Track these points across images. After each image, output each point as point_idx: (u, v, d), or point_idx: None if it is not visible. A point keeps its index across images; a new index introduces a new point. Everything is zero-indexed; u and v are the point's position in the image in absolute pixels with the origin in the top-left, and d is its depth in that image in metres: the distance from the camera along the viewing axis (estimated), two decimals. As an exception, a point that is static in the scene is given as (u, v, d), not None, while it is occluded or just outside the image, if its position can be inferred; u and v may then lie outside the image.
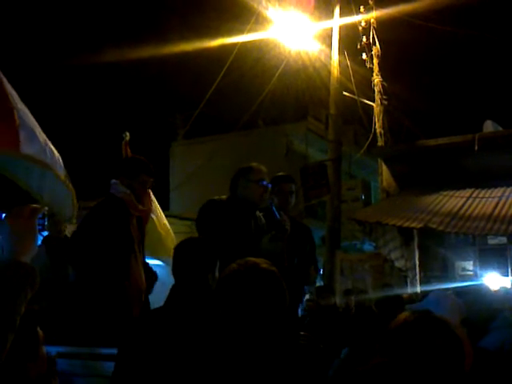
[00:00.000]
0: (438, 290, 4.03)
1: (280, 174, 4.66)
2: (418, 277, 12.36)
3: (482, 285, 9.78)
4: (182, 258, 2.95)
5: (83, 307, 4.20)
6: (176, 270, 2.96)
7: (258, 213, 4.20)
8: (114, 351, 3.60)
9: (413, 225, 10.87)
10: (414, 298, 8.62)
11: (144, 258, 4.61)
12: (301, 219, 15.83)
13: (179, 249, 3.01)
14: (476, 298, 4.48)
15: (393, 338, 1.84)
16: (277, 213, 4.12)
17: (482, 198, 11.38)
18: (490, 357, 3.11)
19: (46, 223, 3.91)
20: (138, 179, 4.41)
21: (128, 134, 6.27)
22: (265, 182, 4.09)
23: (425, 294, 5.22)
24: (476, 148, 11.61)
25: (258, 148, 18.06)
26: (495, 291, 5.22)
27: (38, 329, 2.71)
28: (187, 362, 2.25)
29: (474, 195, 11.51)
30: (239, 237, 3.82)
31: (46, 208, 2.34)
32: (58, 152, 2.44)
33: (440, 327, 1.81)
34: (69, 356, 3.72)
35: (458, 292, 5.01)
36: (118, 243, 4.18)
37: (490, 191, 11.51)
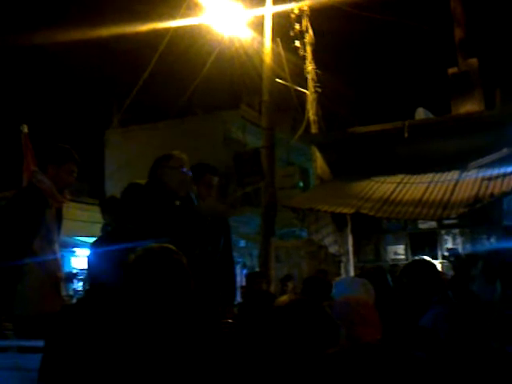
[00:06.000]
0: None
1: (207, 164, 4.62)
2: (351, 262, 12.59)
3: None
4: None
5: None
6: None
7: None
8: (34, 343, 3.56)
9: (345, 211, 11.02)
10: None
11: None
12: (236, 207, 15.87)
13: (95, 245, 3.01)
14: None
15: (271, 319, 1.88)
16: (195, 200, 4.10)
17: (412, 183, 11.64)
18: (425, 334, 3.18)
19: None
20: (65, 168, 4.37)
21: (26, 126, 6.24)
22: (185, 170, 4.05)
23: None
24: (406, 135, 11.87)
25: (196, 135, 17.95)
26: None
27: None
28: (108, 354, 2.26)
29: (404, 181, 11.76)
30: (160, 222, 3.78)
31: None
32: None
33: (312, 309, 1.84)
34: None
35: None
36: (28, 233, 4.10)
37: (419, 177, 11.78)
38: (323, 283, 4.97)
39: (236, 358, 2.40)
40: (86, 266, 4.78)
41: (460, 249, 11.45)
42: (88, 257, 3.07)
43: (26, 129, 6.79)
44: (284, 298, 1.91)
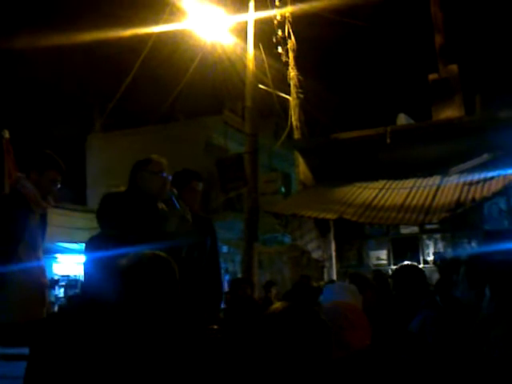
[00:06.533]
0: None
1: (192, 170, 4.60)
2: (334, 267, 12.63)
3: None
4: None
5: None
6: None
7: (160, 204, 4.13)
8: (19, 351, 3.53)
9: (328, 216, 11.04)
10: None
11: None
12: (219, 212, 15.80)
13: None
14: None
15: (262, 327, 1.87)
16: (177, 203, 4.07)
17: (394, 188, 11.70)
18: (413, 338, 3.21)
19: None
20: (48, 175, 4.33)
21: (7, 131, 6.22)
22: (164, 174, 4.03)
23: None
24: (388, 141, 11.94)
25: (178, 141, 17.94)
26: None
27: None
28: (94, 361, 2.25)
29: (386, 186, 11.83)
30: (142, 229, 3.75)
31: None
32: None
33: (309, 315, 1.84)
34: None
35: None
36: (12, 239, 4.06)
37: (401, 182, 11.86)
38: (310, 288, 4.98)
39: (223, 364, 2.40)
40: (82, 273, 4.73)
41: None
42: (83, 263, 3.09)
43: (7, 134, 6.73)
44: (277, 305, 1.90)
